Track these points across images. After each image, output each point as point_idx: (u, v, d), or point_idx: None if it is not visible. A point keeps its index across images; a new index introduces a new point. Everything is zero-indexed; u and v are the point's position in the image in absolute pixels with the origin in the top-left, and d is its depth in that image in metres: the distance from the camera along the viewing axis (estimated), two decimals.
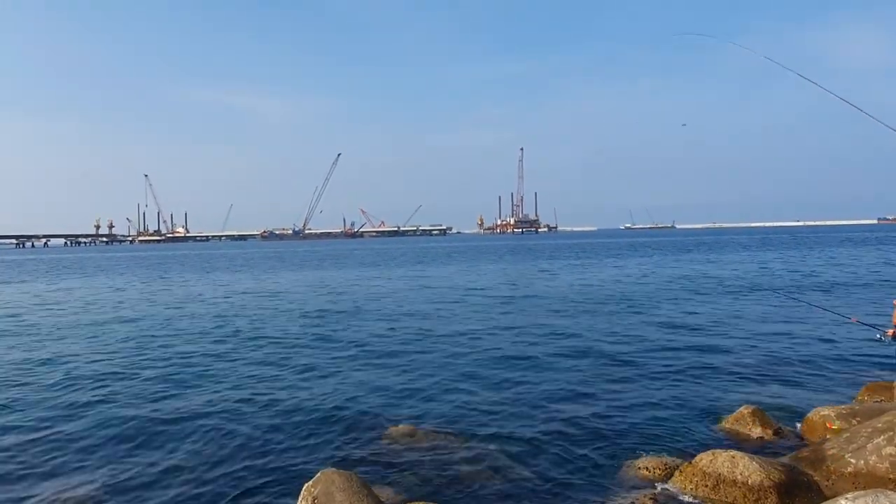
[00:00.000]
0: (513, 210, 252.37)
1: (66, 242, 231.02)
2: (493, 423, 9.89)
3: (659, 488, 7.35)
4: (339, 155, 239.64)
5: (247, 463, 8.46)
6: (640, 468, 7.91)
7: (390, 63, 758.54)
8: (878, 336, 9.38)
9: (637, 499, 7.10)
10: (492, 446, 8.81)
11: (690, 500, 7.01)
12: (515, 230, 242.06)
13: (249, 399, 11.57)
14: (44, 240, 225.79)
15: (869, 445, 7.18)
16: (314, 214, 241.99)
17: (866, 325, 10.40)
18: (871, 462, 7.05)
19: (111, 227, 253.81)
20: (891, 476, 6.87)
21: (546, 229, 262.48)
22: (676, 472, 7.48)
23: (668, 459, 8.00)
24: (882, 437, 7.17)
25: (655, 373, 12.84)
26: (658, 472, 7.74)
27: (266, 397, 11.65)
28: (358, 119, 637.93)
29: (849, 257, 51.17)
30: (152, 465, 8.47)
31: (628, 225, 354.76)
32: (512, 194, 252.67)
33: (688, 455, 8.02)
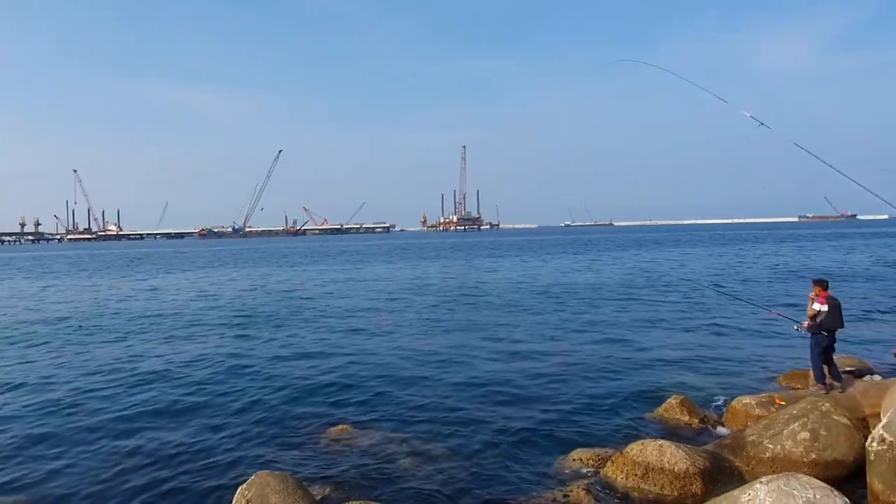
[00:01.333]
0: (455, 208, 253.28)
1: None
2: (431, 420, 9.95)
3: (592, 479, 7.56)
4: (280, 151, 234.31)
5: (180, 466, 8.23)
6: (574, 460, 8.11)
7: (335, 61, 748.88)
8: (795, 328, 9.93)
9: (571, 490, 7.28)
10: (429, 443, 8.86)
11: (622, 488, 7.25)
12: (458, 228, 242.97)
13: (182, 400, 11.25)
14: None
15: (785, 431, 7.60)
16: (255, 212, 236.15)
17: (785, 317, 10.99)
18: (787, 447, 7.46)
19: (37, 224, 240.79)
20: (804, 459, 7.30)
21: (489, 227, 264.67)
22: (609, 463, 7.72)
23: (601, 450, 8.24)
24: (797, 423, 7.60)
25: (588, 366, 13.19)
26: (591, 462, 7.96)
27: (199, 399, 11.36)
28: (301, 117, 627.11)
29: (771, 253, 53.82)
30: (85, 470, 8.14)
31: (568, 223, 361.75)
32: (455, 192, 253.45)
33: (620, 445, 8.28)
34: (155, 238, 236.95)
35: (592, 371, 12.81)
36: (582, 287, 29.49)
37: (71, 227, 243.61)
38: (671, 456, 7.20)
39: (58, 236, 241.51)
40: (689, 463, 7.10)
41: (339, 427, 9.56)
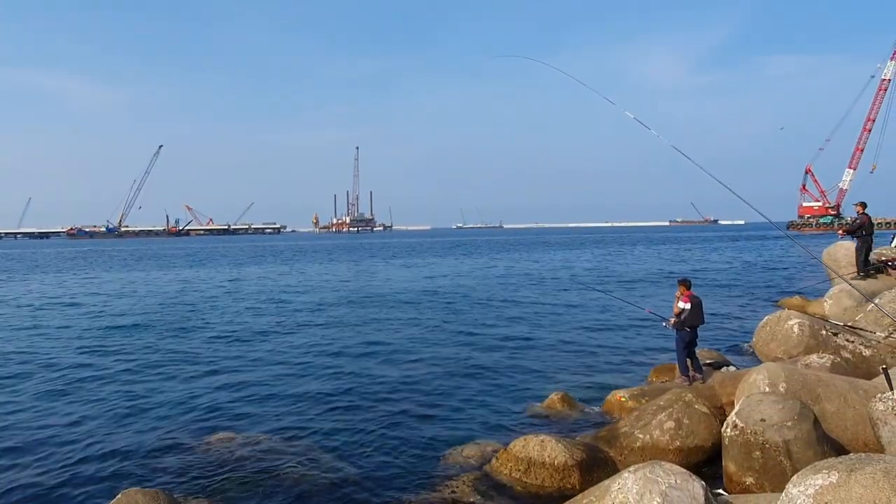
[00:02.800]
0: (348, 209, 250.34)
1: None
2: (316, 423, 9.77)
3: (478, 475, 7.73)
4: (160, 147, 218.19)
5: (36, 489, 7.53)
6: (461, 457, 8.27)
7: (219, 56, 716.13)
8: (664, 324, 10.68)
9: (457, 487, 7.41)
10: (315, 447, 8.70)
11: (507, 483, 7.45)
12: (351, 229, 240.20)
13: (45, 413, 10.36)
14: None
15: (654, 421, 8.14)
16: (132, 211, 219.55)
17: (656, 315, 11.78)
18: (655, 436, 7.99)
19: None
20: (670, 447, 7.85)
21: (381, 228, 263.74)
22: (494, 459, 7.92)
23: (487, 447, 8.45)
24: (663, 413, 8.16)
25: (473, 366, 13.46)
26: (477, 459, 8.15)
27: (66, 410, 10.49)
28: (186, 112, 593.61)
29: (645, 254, 57.59)
30: None
31: (460, 224, 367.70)
32: (348, 193, 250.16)
33: (505, 440, 8.52)
34: (16, 238, 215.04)
35: (477, 371, 13.08)
36: (468, 289, 29.97)
37: None
38: (551, 450, 7.49)
39: None
40: (567, 456, 7.41)
41: (220, 435, 9.15)
